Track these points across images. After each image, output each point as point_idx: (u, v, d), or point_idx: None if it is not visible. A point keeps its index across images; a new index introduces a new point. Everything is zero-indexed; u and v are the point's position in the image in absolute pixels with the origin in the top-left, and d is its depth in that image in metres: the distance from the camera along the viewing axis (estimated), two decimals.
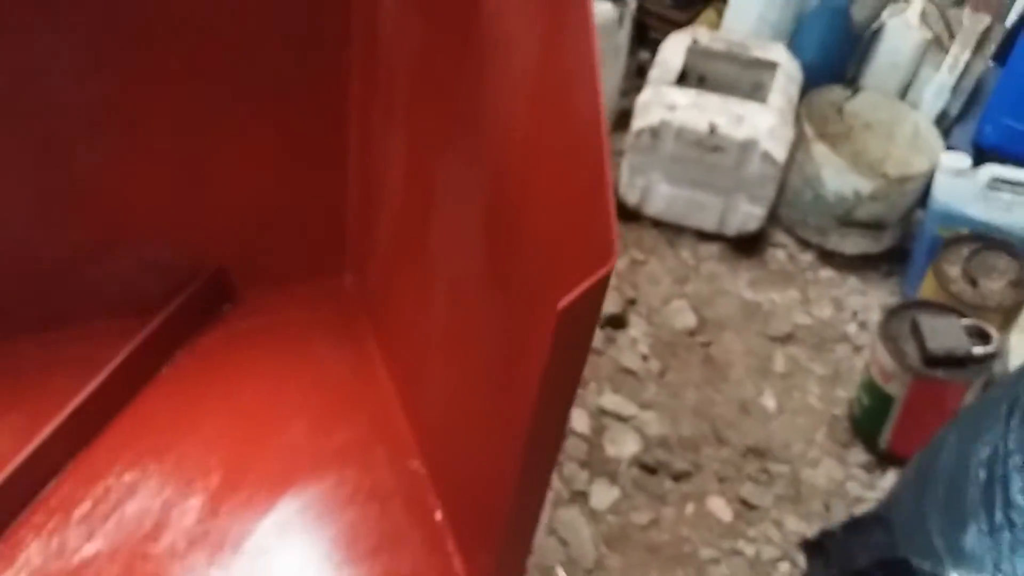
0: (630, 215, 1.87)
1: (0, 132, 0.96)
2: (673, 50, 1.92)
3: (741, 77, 1.97)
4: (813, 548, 0.82)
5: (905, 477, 0.90)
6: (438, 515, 0.99)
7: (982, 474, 0.74)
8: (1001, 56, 1.84)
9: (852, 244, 1.84)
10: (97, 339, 1.09)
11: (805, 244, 1.88)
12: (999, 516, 0.70)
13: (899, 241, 1.87)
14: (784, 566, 1.31)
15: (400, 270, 1.09)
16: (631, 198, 1.86)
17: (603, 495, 1.36)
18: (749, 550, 1.32)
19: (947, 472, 0.76)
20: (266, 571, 0.93)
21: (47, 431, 0.98)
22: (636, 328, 1.66)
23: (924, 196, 1.75)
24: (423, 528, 0.98)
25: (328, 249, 1.24)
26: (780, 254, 1.86)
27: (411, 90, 0.95)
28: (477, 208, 0.77)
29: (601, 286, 0.50)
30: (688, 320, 1.68)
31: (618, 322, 1.66)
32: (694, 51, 1.93)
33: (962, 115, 1.91)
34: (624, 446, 1.43)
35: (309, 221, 1.20)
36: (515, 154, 0.69)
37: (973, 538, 0.70)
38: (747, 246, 1.86)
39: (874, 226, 1.81)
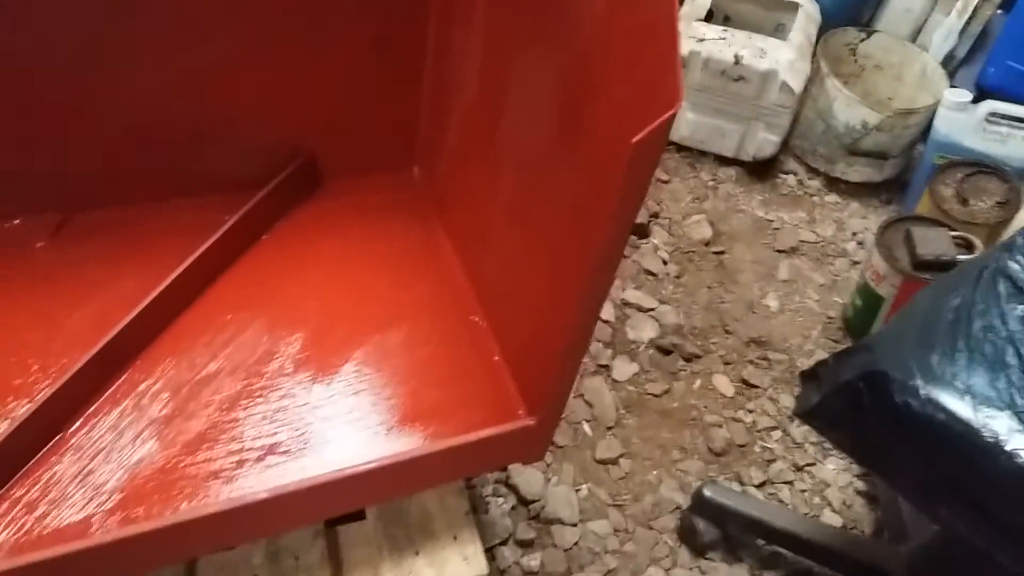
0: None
1: (148, 17, 1.14)
2: None
3: (765, 17, 2.13)
4: (807, 375, 1.02)
5: (889, 322, 1.10)
6: (496, 357, 1.21)
7: (950, 316, 0.94)
8: (1008, 3, 1.99)
9: (857, 173, 2.03)
10: (211, 208, 1.29)
11: (814, 171, 2.07)
12: (960, 343, 0.90)
13: (900, 172, 2.06)
14: (777, 433, 1.53)
15: (468, 157, 1.28)
16: None
17: (624, 369, 1.58)
18: (747, 419, 1.54)
19: (922, 314, 0.96)
20: (359, 386, 1.15)
21: (175, 274, 1.18)
22: (658, 237, 1.86)
23: (926, 132, 1.93)
24: (485, 367, 1.20)
25: (401, 144, 1.43)
26: (791, 179, 2.06)
27: None
28: (550, 84, 0.95)
29: (668, 125, 0.68)
30: (705, 232, 1.88)
31: (642, 231, 1.86)
32: None
33: (968, 58, 2.08)
34: (643, 331, 1.65)
35: (386, 118, 1.39)
36: (591, 27, 0.87)
37: (938, 357, 0.90)
38: (761, 170, 2.05)
39: (878, 156, 2.00)
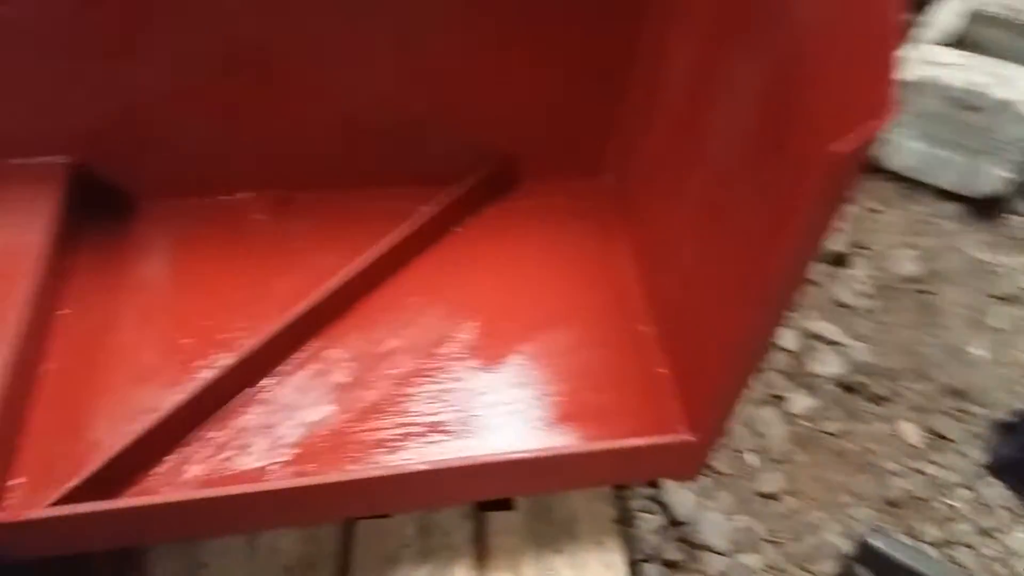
0: (869, 167, 1.92)
1: (383, 15, 1.24)
2: (947, 10, 1.92)
3: (1016, 43, 1.93)
4: (1004, 427, 0.91)
5: None
6: (661, 369, 1.19)
7: None
8: None
9: None
10: (410, 198, 1.38)
11: None
12: None
13: None
14: (964, 492, 1.38)
15: (663, 166, 1.27)
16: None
17: (800, 402, 1.49)
18: (932, 471, 1.40)
19: None
20: (523, 380, 1.17)
21: (370, 255, 1.27)
22: (859, 269, 1.74)
23: None
24: (646, 377, 1.18)
25: (596, 151, 1.45)
26: (1018, 221, 1.84)
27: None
28: (754, 92, 0.92)
29: (871, 137, 0.63)
30: (912, 269, 1.73)
31: (840, 260, 1.75)
32: (969, 14, 1.92)
33: None
34: (828, 366, 1.55)
35: (585, 125, 1.41)
36: (804, 32, 0.83)
37: None
38: (986, 209, 1.86)
39: None
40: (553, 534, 1.10)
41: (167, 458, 1.06)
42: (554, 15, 1.26)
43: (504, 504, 1.14)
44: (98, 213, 1.33)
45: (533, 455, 1.02)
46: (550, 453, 1.04)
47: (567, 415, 1.15)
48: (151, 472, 1.05)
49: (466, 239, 1.38)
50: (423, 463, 0.98)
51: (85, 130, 1.29)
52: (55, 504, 0.93)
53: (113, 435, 1.08)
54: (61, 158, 1.30)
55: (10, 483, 1.01)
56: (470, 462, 1.00)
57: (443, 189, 1.38)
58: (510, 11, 1.24)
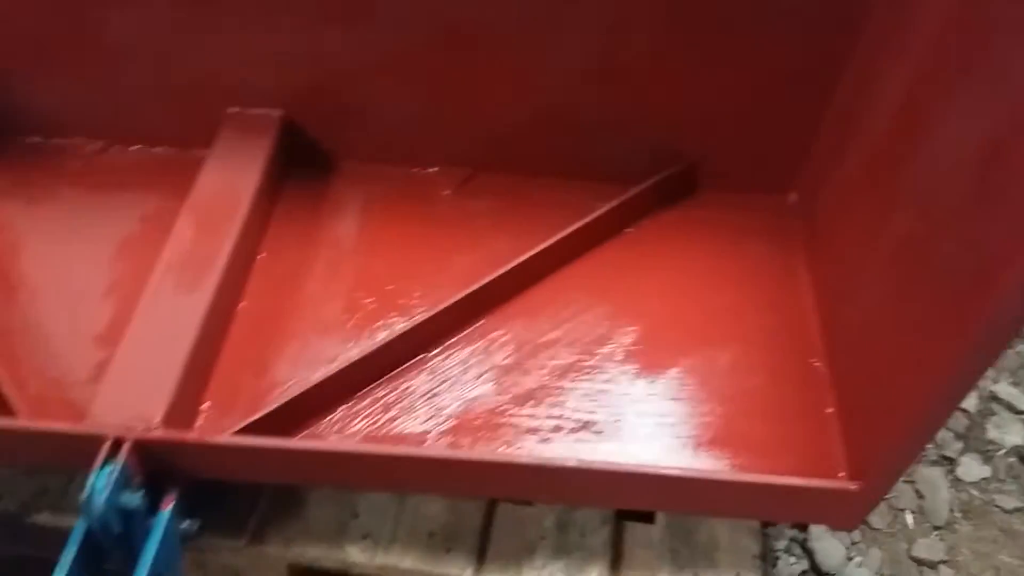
0: None
1: (579, 7, 1.24)
2: None
3: None
4: None
5: None
6: (829, 408, 1.14)
7: None
8: None
9: None
10: (588, 193, 1.38)
11: None
12: None
13: None
14: None
15: (859, 192, 1.20)
16: None
17: (972, 469, 1.39)
18: None
19: None
20: (679, 394, 1.16)
21: (543, 245, 1.29)
22: None
23: None
24: (811, 413, 1.14)
25: (784, 168, 1.40)
26: None
27: (932, 37, 1.03)
28: (976, 134, 0.86)
29: None
30: None
31: None
32: None
33: None
34: (1008, 434, 1.43)
35: (776, 141, 1.36)
36: None
37: None
38: None
39: None
40: (691, 557, 1.08)
41: (339, 408, 1.13)
42: (764, 27, 1.22)
43: (645, 516, 1.13)
44: (300, 168, 1.43)
45: (680, 474, 1.01)
46: (698, 475, 1.03)
47: (719, 438, 1.12)
48: (323, 419, 1.12)
49: (637, 241, 1.37)
50: (572, 460, 0.99)
51: (300, 87, 1.38)
52: (237, 433, 1.01)
53: (293, 378, 1.16)
54: (276, 111, 1.40)
55: (200, 407, 1.11)
56: (617, 468, 1.00)
57: (621, 188, 1.37)
58: (716, 18, 1.22)
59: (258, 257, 1.30)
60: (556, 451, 1.08)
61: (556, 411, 1.14)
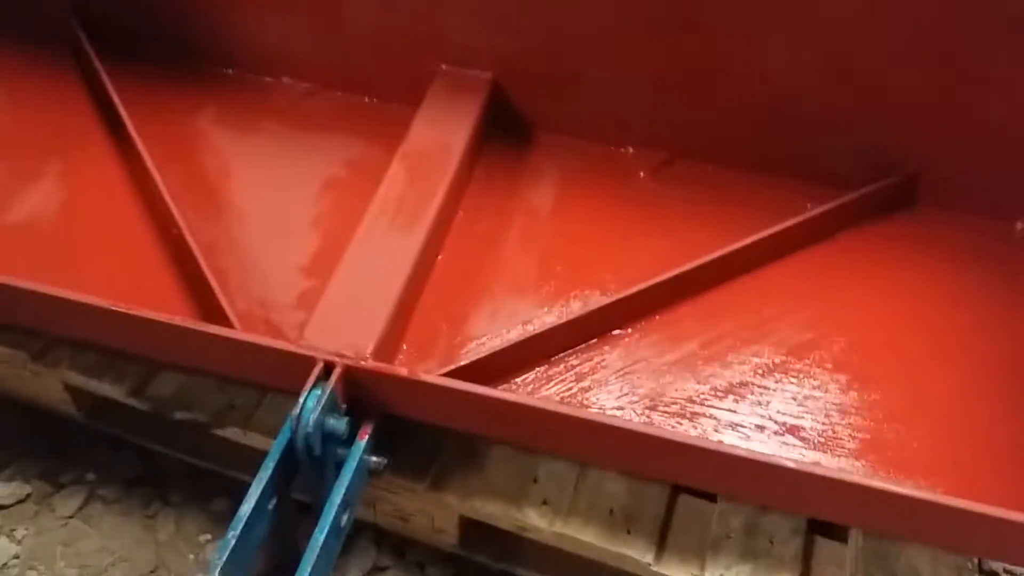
0: None
1: (827, 7, 1.19)
2: None
3: None
4: None
5: None
6: None
7: None
8: None
9: None
10: (797, 192, 1.32)
11: None
12: None
13: None
14: None
15: None
16: None
17: None
18: None
19: None
20: (889, 407, 1.09)
21: (749, 240, 1.22)
22: None
23: None
24: None
25: (1014, 195, 1.29)
26: None
27: None
28: None
29: None
30: None
31: None
32: None
33: None
34: None
35: (1006, 165, 1.26)
36: None
37: None
38: None
39: None
40: None
41: (533, 371, 1.11)
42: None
43: (839, 534, 1.06)
44: (499, 134, 1.42)
45: (886, 488, 0.91)
46: (908, 494, 0.93)
47: (932, 463, 1.04)
48: (516, 379, 1.10)
49: (847, 248, 1.29)
50: (788, 460, 0.92)
51: (514, 52, 1.37)
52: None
53: (489, 335, 1.15)
54: (486, 74, 1.39)
55: (400, 349, 1.11)
56: (810, 470, 0.91)
57: (832, 192, 1.30)
58: (961, 29, 1.13)
59: (458, 215, 1.29)
60: (757, 449, 1.02)
61: (760, 410, 1.08)
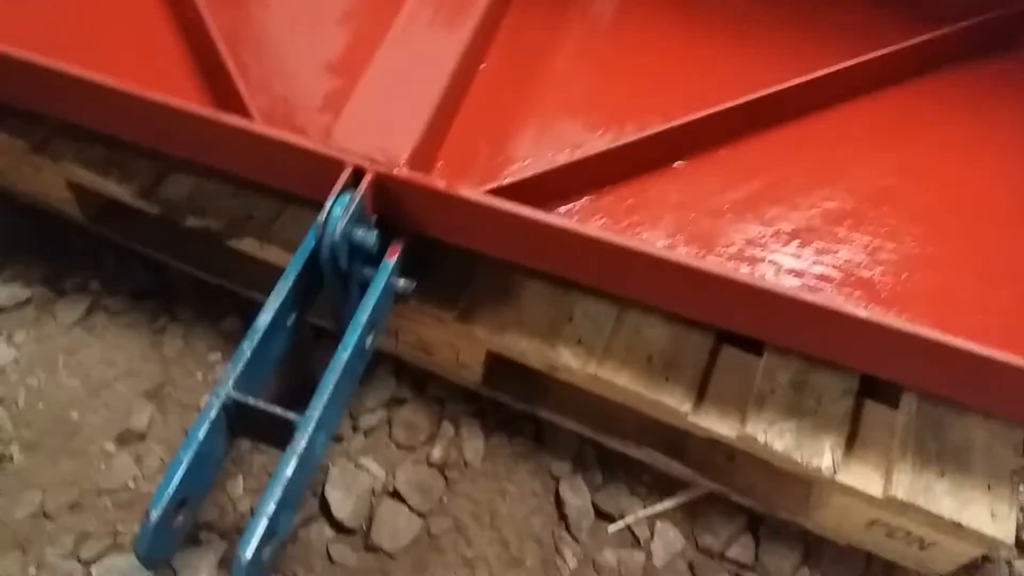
0: None
1: None
2: None
3: None
4: None
5: None
6: None
7: None
8: None
9: None
10: (885, 21, 1.17)
11: None
12: None
13: None
14: None
15: None
16: None
17: None
18: None
19: None
20: (977, 267, 0.99)
21: (822, 71, 1.08)
22: None
23: None
24: None
25: None
26: None
27: None
28: None
29: None
30: None
31: None
32: None
33: None
34: None
35: None
36: None
37: None
38: None
39: None
40: (939, 453, 0.94)
41: (580, 200, 1.00)
42: None
43: (890, 399, 0.99)
44: None
45: (940, 340, 0.83)
46: (973, 350, 0.84)
47: (1005, 326, 0.96)
48: (560, 207, 1.00)
49: (937, 89, 1.15)
50: (860, 309, 0.83)
51: None
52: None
53: (534, 156, 1.03)
54: None
55: (435, 163, 1.00)
56: (877, 319, 0.82)
57: (928, 24, 1.15)
58: None
59: (505, 19, 1.14)
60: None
61: (826, 258, 0.98)
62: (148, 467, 1.12)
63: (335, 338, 0.87)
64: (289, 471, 0.77)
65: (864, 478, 0.94)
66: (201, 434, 0.79)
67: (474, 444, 1.14)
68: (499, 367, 1.08)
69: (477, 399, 1.17)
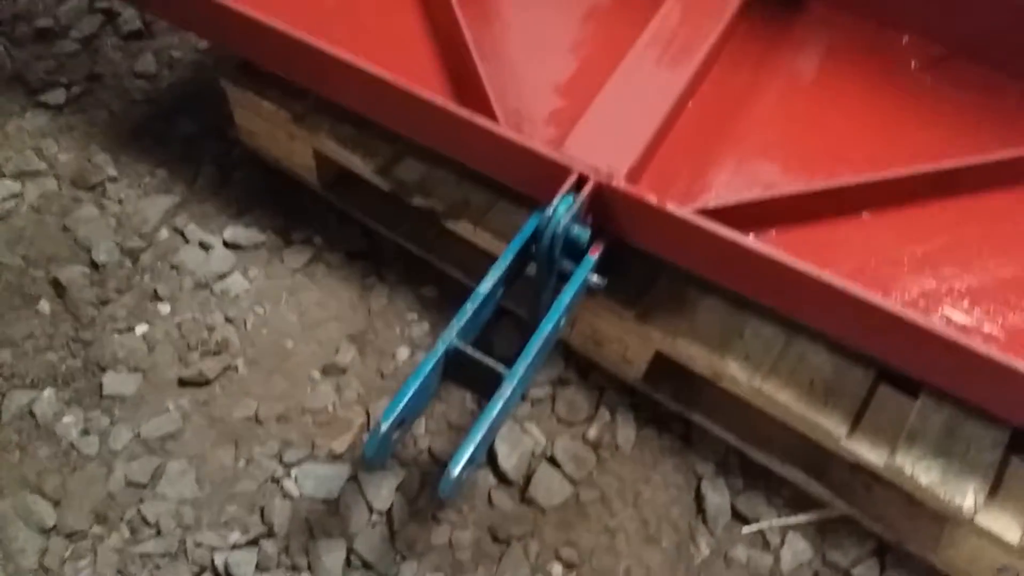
0: None
1: None
2: None
3: None
4: None
5: None
6: None
7: None
8: None
9: None
10: None
11: None
12: None
13: None
14: None
15: None
16: None
17: None
18: None
19: None
20: None
21: (993, 157, 1.15)
22: None
23: None
24: None
25: None
26: None
27: None
28: None
29: None
30: None
31: None
32: None
33: None
34: None
35: None
36: None
37: None
38: None
39: None
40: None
41: (767, 232, 1.12)
42: None
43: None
44: None
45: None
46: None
47: None
48: (749, 235, 1.11)
49: None
50: (982, 348, 0.90)
51: None
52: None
53: (728, 188, 1.16)
54: None
55: (641, 179, 1.14)
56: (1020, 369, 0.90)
57: None
58: None
59: (717, 64, 1.27)
60: None
61: (995, 320, 1.05)
62: (346, 397, 1.31)
63: (514, 318, 0.98)
64: (495, 412, 0.92)
65: (1002, 524, 1.00)
66: (428, 368, 0.95)
67: (626, 432, 1.27)
68: (661, 368, 1.21)
69: (634, 393, 1.30)
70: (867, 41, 1.34)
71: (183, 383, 1.32)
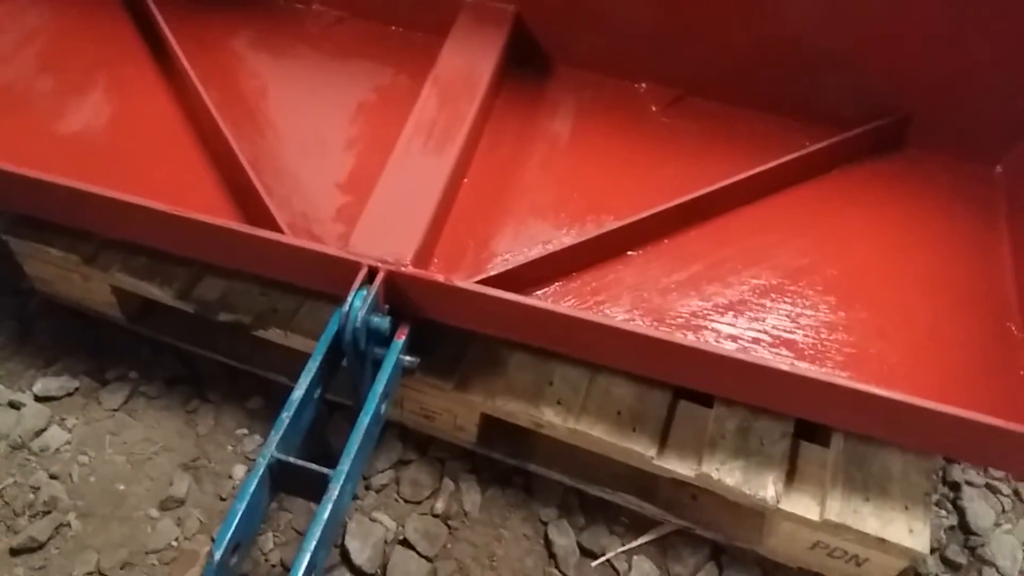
0: None
1: None
2: None
3: None
4: None
5: None
6: (1022, 372, 1.16)
7: None
8: None
9: None
10: (797, 131, 1.42)
11: None
12: None
13: None
14: None
15: None
16: None
17: None
18: None
19: None
20: (875, 326, 1.21)
21: (752, 172, 1.31)
22: None
23: None
24: (1004, 372, 1.17)
25: (994, 141, 1.40)
26: None
27: None
28: None
29: None
30: None
31: None
32: None
33: None
34: None
35: (988, 114, 1.36)
36: None
37: None
38: None
39: None
40: (864, 482, 1.13)
41: (552, 285, 1.22)
42: None
43: (822, 439, 1.19)
44: (524, 65, 1.50)
45: (872, 391, 1.02)
46: (890, 396, 1.04)
47: (914, 375, 1.17)
48: (537, 292, 1.21)
49: (841, 184, 1.40)
50: (783, 363, 1.04)
51: None
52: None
53: (512, 251, 1.25)
54: (510, 6, 1.46)
55: (432, 261, 1.22)
56: (802, 373, 1.03)
57: (831, 130, 1.40)
58: None
59: (480, 142, 1.38)
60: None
61: (757, 325, 1.20)
62: (188, 528, 1.28)
63: (348, 411, 1.04)
64: (326, 515, 0.95)
65: (803, 505, 1.13)
66: (251, 487, 0.96)
67: (472, 496, 1.32)
68: (491, 428, 1.28)
69: (473, 457, 1.35)
70: (611, 93, 1.49)
71: (15, 552, 1.25)
